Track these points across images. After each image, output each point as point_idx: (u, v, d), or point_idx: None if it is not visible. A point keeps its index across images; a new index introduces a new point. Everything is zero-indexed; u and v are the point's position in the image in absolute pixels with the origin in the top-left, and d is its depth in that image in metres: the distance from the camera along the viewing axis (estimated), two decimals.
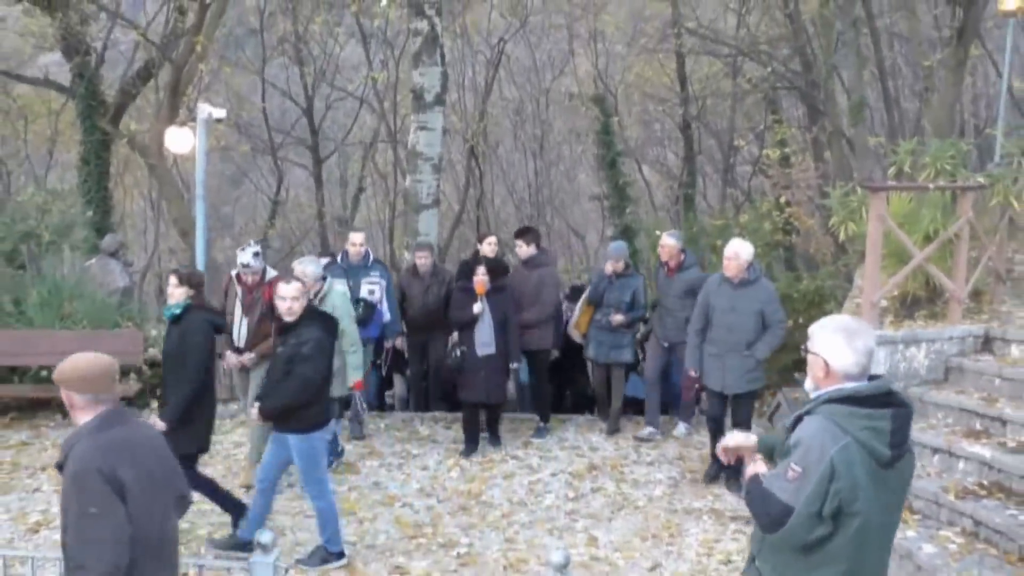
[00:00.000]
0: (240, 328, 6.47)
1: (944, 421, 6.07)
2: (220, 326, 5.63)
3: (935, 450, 5.72)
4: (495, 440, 7.42)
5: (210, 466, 6.61)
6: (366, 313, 7.20)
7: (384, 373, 8.41)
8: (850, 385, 2.85)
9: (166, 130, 8.57)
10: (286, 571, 3.76)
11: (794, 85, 14.71)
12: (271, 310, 6.18)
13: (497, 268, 7.21)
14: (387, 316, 7.58)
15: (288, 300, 5.19)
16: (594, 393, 8.16)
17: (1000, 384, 6.09)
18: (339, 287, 6.51)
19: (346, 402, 6.94)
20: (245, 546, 5.06)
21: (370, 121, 19.66)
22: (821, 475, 2.74)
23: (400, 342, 8.08)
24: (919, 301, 7.17)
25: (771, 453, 3.15)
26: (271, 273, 6.57)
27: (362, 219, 21.37)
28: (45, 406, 7.97)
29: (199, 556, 5.05)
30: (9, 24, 16.11)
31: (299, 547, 5.53)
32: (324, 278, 6.34)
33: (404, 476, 6.86)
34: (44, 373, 7.72)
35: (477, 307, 6.98)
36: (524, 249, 7.78)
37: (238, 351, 6.46)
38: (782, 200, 11.62)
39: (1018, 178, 7.18)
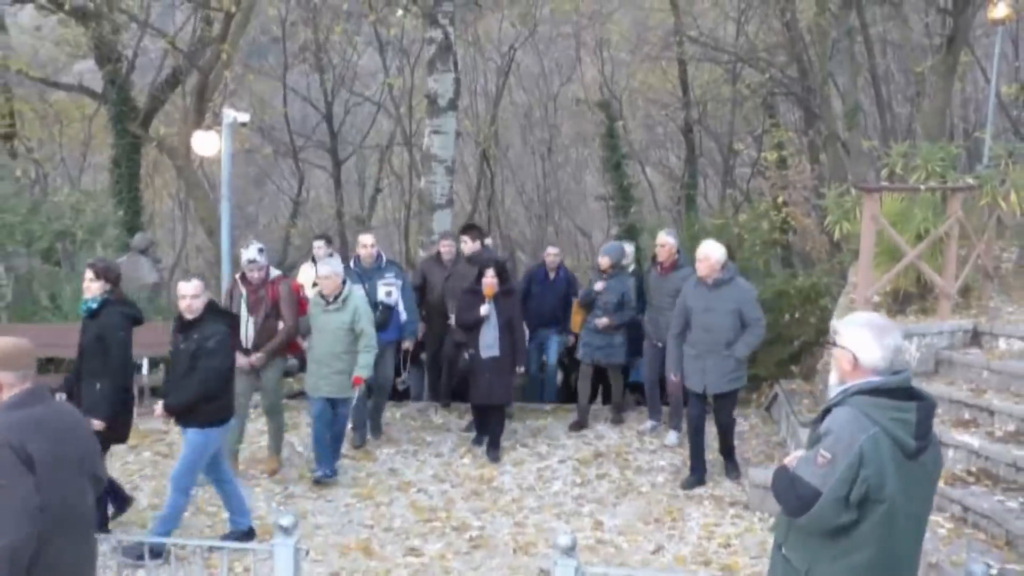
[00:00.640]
0: (247, 329, 6.43)
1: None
2: (138, 319, 5.36)
3: None
4: (494, 454, 7.09)
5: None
6: (383, 317, 7.12)
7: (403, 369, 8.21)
8: (877, 378, 2.89)
9: (193, 134, 8.55)
10: (307, 553, 3.81)
11: (791, 91, 14.63)
12: (276, 309, 6.43)
13: (503, 271, 7.08)
14: (404, 316, 7.46)
15: (188, 298, 5.09)
16: (576, 388, 8.05)
17: (988, 376, 6.16)
18: (358, 291, 6.62)
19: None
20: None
21: (386, 125, 19.83)
22: (850, 462, 2.77)
23: (421, 331, 7.92)
24: (911, 297, 7.21)
25: None
26: (274, 272, 6.62)
27: (379, 219, 21.49)
28: None
29: (218, 540, 5.06)
30: (45, 33, 16.02)
31: (319, 530, 5.72)
32: (345, 281, 6.43)
33: (419, 463, 7.01)
34: None
35: (484, 309, 6.88)
36: (469, 245, 7.82)
37: (246, 352, 6.39)
38: (779, 200, 11.68)
39: (1005, 179, 7.26)
